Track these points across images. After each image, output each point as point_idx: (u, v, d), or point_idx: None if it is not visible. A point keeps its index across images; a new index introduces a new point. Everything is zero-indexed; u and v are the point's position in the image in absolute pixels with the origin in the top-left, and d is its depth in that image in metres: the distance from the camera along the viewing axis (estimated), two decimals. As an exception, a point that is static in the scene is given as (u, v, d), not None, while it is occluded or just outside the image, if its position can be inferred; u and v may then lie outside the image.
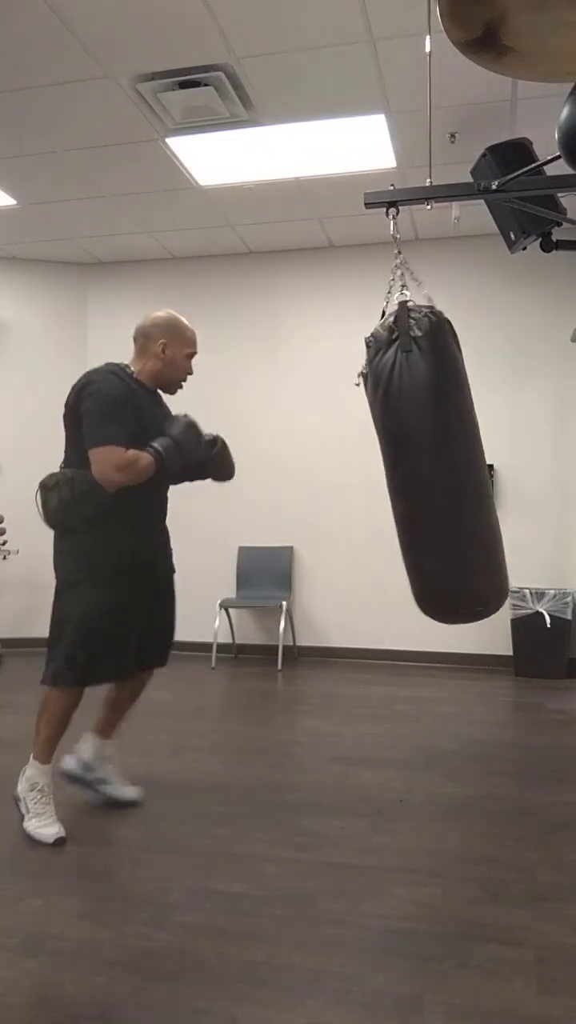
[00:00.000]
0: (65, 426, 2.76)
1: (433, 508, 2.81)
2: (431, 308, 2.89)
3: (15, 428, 6.34)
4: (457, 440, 2.85)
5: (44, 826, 2.64)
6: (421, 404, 2.75)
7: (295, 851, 2.57)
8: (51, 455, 7.17)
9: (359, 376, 2.89)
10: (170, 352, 2.86)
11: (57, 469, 2.78)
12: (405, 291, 2.93)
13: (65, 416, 2.75)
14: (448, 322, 2.89)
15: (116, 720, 3.07)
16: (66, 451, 2.79)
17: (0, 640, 6.08)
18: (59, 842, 2.60)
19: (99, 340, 6.42)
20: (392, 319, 2.84)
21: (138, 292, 6.37)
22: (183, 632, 6.87)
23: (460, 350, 2.91)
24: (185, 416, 2.86)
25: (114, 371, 2.79)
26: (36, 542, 6.31)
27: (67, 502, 2.63)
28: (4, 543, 5.99)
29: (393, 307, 2.90)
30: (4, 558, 6.07)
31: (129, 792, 3.02)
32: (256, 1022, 1.72)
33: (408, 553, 2.90)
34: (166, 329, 2.85)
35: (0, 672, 5.51)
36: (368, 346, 2.91)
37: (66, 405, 2.74)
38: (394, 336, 2.81)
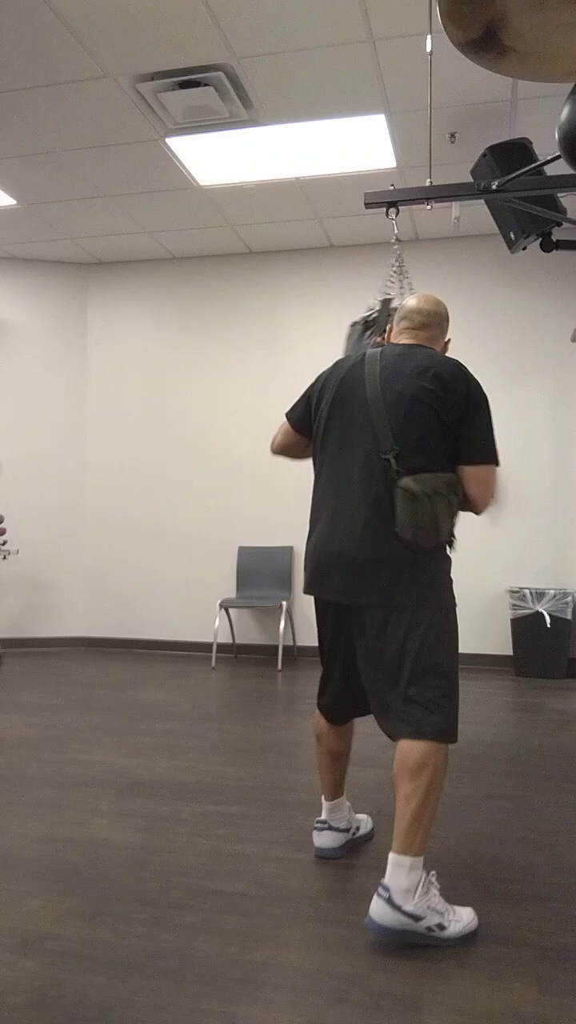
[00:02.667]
0: (416, 415, 2.12)
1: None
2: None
3: (15, 428, 6.34)
4: None
5: (462, 917, 2.08)
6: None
7: (295, 851, 2.57)
8: (51, 455, 7.18)
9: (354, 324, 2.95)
10: (449, 351, 2.45)
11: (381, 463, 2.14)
12: (390, 291, 2.99)
13: (420, 402, 2.13)
14: None
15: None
16: (409, 444, 2.12)
17: (0, 640, 6.08)
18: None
19: (99, 340, 6.43)
20: (373, 313, 2.92)
21: (138, 292, 6.38)
22: (183, 632, 6.90)
23: None
24: None
25: None
26: (36, 542, 6.37)
27: (456, 512, 2.13)
28: (4, 543, 5.99)
29: (375, 303, 2.98)
30: (4, 558, 6.07)
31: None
32: (256, 1022, 1.72)
33: None
34: (449, 323, 2.43)
35: (0, 672, 5.51)
36: (352, 326, 3.00)
37: (426, 391, 2.13)
38: (368, 329, 2.89)
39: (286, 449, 2.51)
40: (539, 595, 5.27)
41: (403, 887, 2.00)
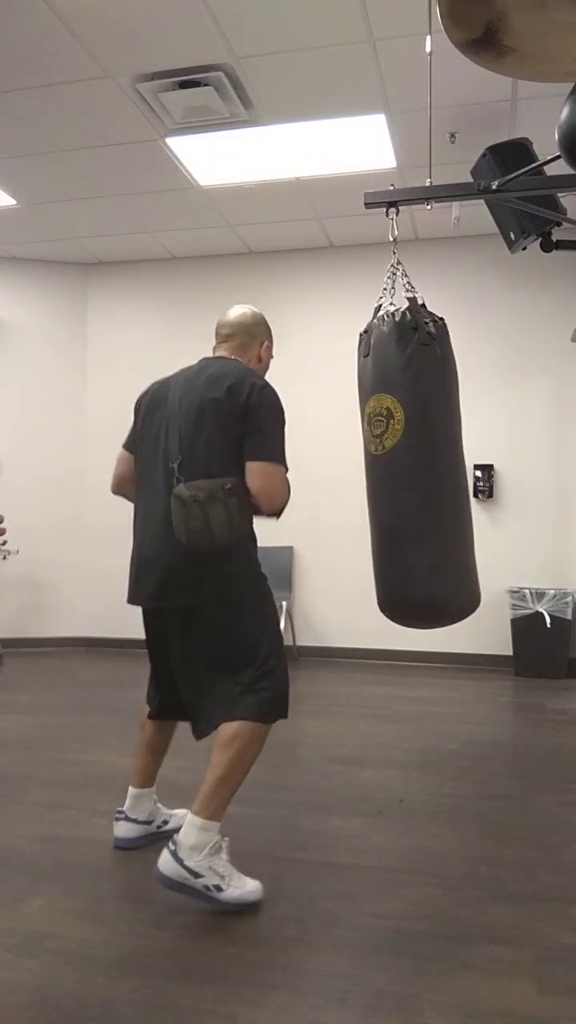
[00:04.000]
0: (202, 424, 2.24)
1: (428, 500, 2.87)
2: (431, 313, 3.07)
3: (15, 428, 6.34)
4: (456, 435, 2.97)
5: (244, 884, 2.18)
6: (431, 395, 2.91)
7: (295, 851, 2.57)
8: (51, 455, 7.18)
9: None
10: (266, 357, 2.52)
11: (175, 473, 2.25)
12: (411, 289, 3.02)
13: (205, 412, 2.24)
14: (414, 321, 3.03)
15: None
16: (194, 453, 2.24)
17: (0, 640, 6.08)
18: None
19: (99, 340, 6.43)
20: (406, 313, 2.94)
21: (138, 292, 6.38)
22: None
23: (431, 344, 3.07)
24: None
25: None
26: (36, 542, 6.37)
27: (235, 515, 2.19)
28: (4, 543, 5.99)
29: (390, 305, 3.00)
30: (4, 558, 6.07)
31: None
32: (256, 1022, 1.72)
33: (386, 550, 2.95)
34: (267, 329, 2.51)
35: (0, 672, 5.51)
36: (367, 332, 3.01)
37: (211, 400, 2.24)
38: (406, 329, 2.91)
39: (122, 479, 2.56)
40: (539, 595, 5.27)
41: (190, 843, 2.12)
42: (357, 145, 4.38)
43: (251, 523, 2.32)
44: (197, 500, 2.15)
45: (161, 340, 6.24)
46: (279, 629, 2.40)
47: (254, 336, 2.47)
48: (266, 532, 6.92)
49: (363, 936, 2.06)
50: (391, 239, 3.13)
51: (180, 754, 3.59)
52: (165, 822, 2.66)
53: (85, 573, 6.40)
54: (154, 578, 2.28)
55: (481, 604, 5.82)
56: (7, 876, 2.39)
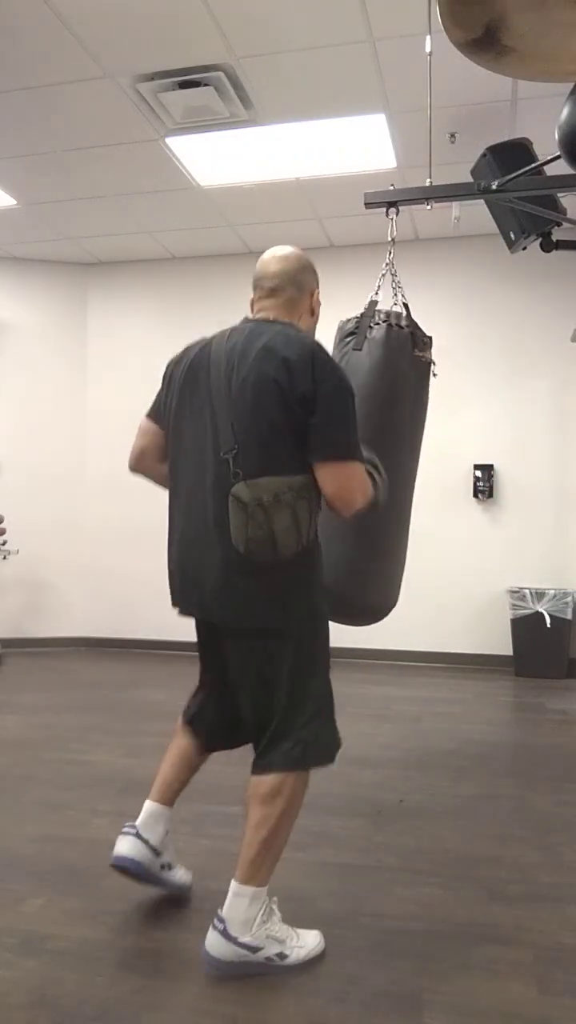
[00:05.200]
0: (260, 407, 1.86)
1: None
2: (401, 317, 2.95)
3: (15, 428, 6.34)
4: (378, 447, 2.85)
5: (305, 941, 1.97)
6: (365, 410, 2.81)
7: (295, 851, 2.57)
8: (51, 455, 7.17)
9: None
10: (317, 308, 2.15)
11: (226, 464, 1.87)
12: (379, 293, 3.00)
13: (264, 392, 1.86)
14: (411, 337, 2.90)
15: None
16: (252, 442, 1.86)
17: (0, 640, 6.08)
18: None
19: (99, 340, 6.43)
20: (358, 316, 2.92)
21: (138, 292, 6.38)
22: (183, 632, 6.85)
23: (417, 368, 2.93)
24: None
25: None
26: (36, 542, 6.36)
27: (303, 522, 1.85)
28: (4, 543, 5.99)
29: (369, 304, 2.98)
30: (4, 558, 6.07)
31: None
32: (256, 1022, 1.72)
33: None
34: (315, 274, 2.11)
35: (0, 672, 5.51)
36: (337, 329, 2.99)
37: (270, 379, 1.85)
38: (352, 331, 2.89)
39: (144, 453, 2.17)
40: (539, 595, 5.27)
41: (241, 919, 1.86)
42: (357, 145, 4.38)
43: (317, 530, 1.94)
44: (261, 504, 1.79)
45: (161, 340, 6.23)
46: (329, 664, 2.06)
47: (303, 287, 2.07)
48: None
49: (363, 936, 2.06)
50: (389, 239, 3.12)
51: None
52: (169, 866, 2.21)
53: (85, 573, 6.40)
54: (202, 589, 1.94)
55: (481, 604, 5.84)
56: (7, 876, 2.39)
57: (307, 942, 1.95)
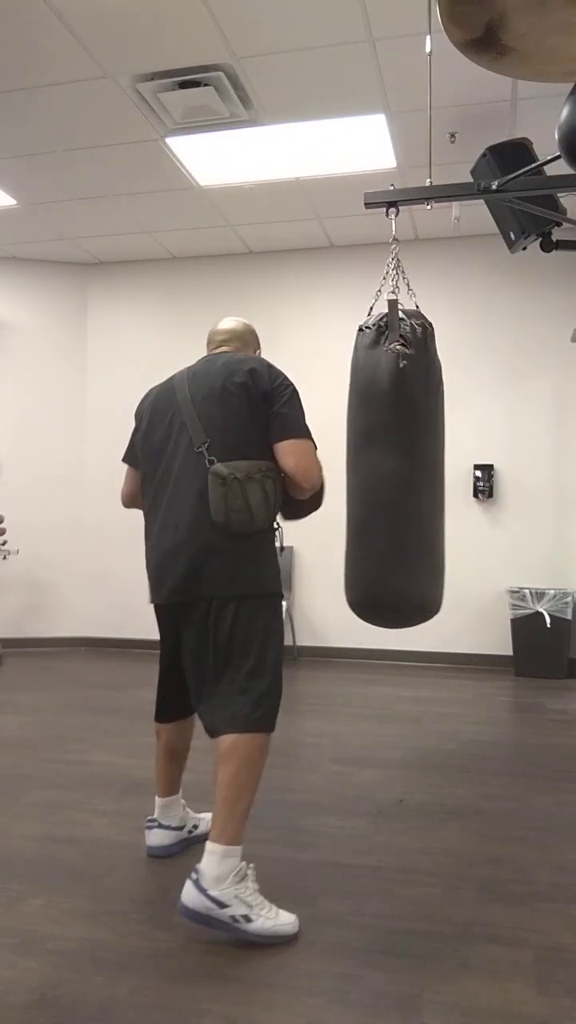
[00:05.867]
0: (227, 406, 2.20)
1: (394, 502, 2.88)
2: (420, 314, 3.04)
3: (15, 428, 6.34)
4: (427, 436, 2.95)
5: (276, 916, 2.06)
6: (411, 398, 2.88)
7: (295, 851, 2.57)
8: (51, 455, 7.17)
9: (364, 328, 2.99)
10: None
11: (214, 459, 2.17)
12: (396, 290, 3.00)
13: (230, 394, 2.21)
14: (433, 329, 3.03)
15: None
16: (223, 435, 2.19)
17: (0, 640, 6.08)
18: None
19: (98, 340, 6.43)
20: (383, 316, 2.93)
21: (138, 292, 6.38)
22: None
23: (436, 358, 3.06)
24: None
25: None
26: (36, 542, 6.37)
27: (271, 497, 2.18)
28: (4, 543, 5.99)
29: (382, 305, 2.99)
30: (4, 558, 6.07)
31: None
32: (256, 1022, 1.72)
33: (360, 547, 3.02)
34: (258, 340, 2.56)
35: (0, 672, 5.51)
36: (361, 331, 3.01)
37: (236, 384, 2.21)
38: (384, 331, 2.90)
39: (134, 495, 2.53)
40: (539, 595, 5.27)
41: (214, 874, 2.01)
42: (357, 145, 4.38)
43: (278, 506, 2.26)
44: (237, 478, 2.11)
45: (161, 340, 6.24)
46: (283, 639, 2.33)
47: (247, 343, 2.49)
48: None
49: (363, 936, 2.06)
50: (392, 238, 3.12)
51: (180, 754, 3.58)
52: (195, 826, 2.60)
53: (85, 573, 6.40)
54: (180, 567, 2.17)
55: (481, 604, 5.85)
56: (7, 876, 2.39)
57: (279, 919, 2.05)
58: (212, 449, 2.17)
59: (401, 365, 2.84)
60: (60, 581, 6.40)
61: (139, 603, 6.24)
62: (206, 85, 3.73)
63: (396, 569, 2.87)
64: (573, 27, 1.65)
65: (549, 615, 5.21)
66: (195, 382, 2.28)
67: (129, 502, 2.58)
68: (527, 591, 5.29)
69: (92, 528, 6.39)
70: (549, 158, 2.90)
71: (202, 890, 2.01)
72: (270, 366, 2.29)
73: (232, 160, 4.54)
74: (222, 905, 2.00)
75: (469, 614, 5.64)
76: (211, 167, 4.64)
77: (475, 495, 5.64)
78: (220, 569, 2.15)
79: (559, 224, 3.48)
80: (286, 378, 2.29)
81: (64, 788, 3.15)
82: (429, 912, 2.19)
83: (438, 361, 3.02)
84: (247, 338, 2.50)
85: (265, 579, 2.22)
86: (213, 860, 2.03)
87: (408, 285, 3.13)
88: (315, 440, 2.26)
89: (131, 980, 1.86)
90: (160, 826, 2.53)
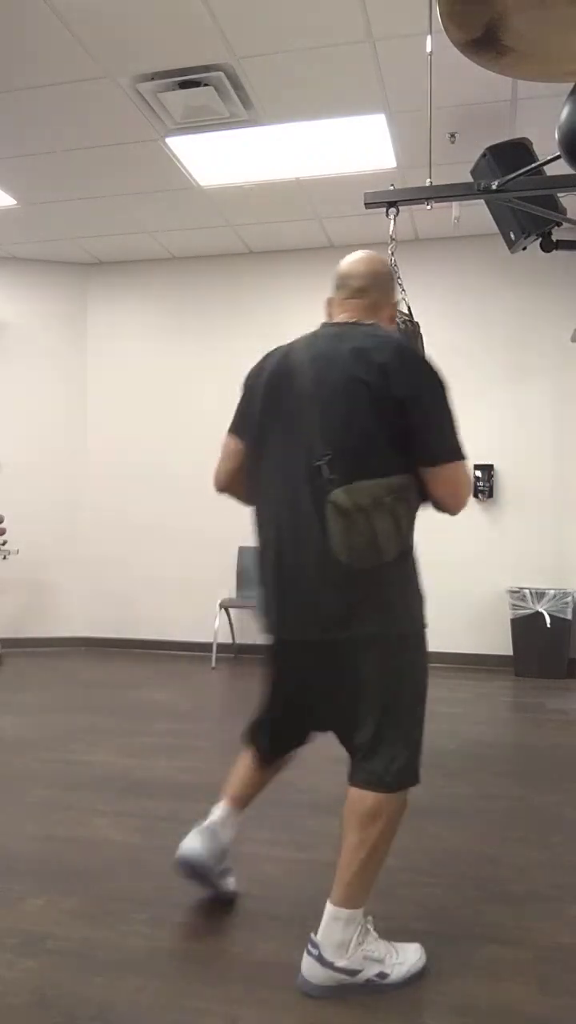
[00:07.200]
0: (353, 411, 1.79)
1: None
2: (409, 316, 3.02)
3: (15, 428, 6.34)
4: None
5: (406, 956, 1.88)
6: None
7: (295, 851, 2.57)
8: (51, 455, 7.16)
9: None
10: (394, 323, 2.11)
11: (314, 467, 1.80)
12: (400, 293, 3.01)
13: (356, 396, 1.79)
14: (420, 328, 3.06)
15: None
16: (346, 447, 1.79)
17: (0, 640, 6.08)
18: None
19: (99, 340, 6.43)
20: None
21: (138, 292, 6.38)
22: (183, 632, 6.88)
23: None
24: None
25: None
26: (36, 542, 6.37)
27: (403, 524, 1.79)
28: (4, 543, 5.99)
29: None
30: (4, 558, 6.07)
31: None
32: (256, 1022, 1.72)
33: None
34: (394, 283, 2.08)
35: (0, 672, 5.51)
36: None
37: (362, 383, 1.79)
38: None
39: (234, 475, 2.09)
40: (539, 595, 5.27)
41: (336, 942, 1.79)
42: (357, 145, 4.38)
43: (413, 533, 1.87)
44: (361, 509, 1.72)
45: (161, 340, 6.24)
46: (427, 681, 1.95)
47: (387, 293, 2.01)
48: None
49: (363, 936, 2.06)
50: (390, 237, 3.13)
51: (180, 755, 3.59)
52: (229, 868, 2.24)
53: (85, 573, 6.40)
54: (301, 605, 1.86)
55: (481, 604, 5.84)
56: (7, 876, 2.39)
57: (407, 957, 1.87)
58: (334, 465, 1.76)
59: None
60: (60, 581, 6.39)
61: (139, 603, 6.25)
62: (206, 85, 3.73)
63: None
64: (573, 27, 1.65)
65: (549, 615, 5.21)
66: (318, 368, 1.85)
67: (226, 480, 2.11)
68: (527, 591, 5.29)
69: (92, 528, 6.38)
70: (549, 158, 2.91)
71: (328, 964, 1.79)
72: (411, 355, 1.84)
73: (232, 160, 4.54)
74: (354, 973, 1.80)
75: (469, 614, 5.63)
76: (211, 167, 4.64)
77: (475, 495, 5.64)
78: (355, 607, 1.81)
79: (559, 224, 3.49)
80: (430, 370, 1.83)
81: (64, 788, 3.15)
82: (429, 912, 2.19)
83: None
84: (388, 287, 2.02)
85: (400, 614, 1.86)
86: (336, 927, 1.80)
87: (401, 286, 3.13)
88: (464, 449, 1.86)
89: (131, 980, 1.86)
90: (210, 831, 2.16)
